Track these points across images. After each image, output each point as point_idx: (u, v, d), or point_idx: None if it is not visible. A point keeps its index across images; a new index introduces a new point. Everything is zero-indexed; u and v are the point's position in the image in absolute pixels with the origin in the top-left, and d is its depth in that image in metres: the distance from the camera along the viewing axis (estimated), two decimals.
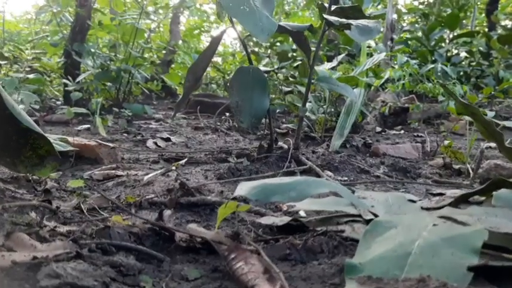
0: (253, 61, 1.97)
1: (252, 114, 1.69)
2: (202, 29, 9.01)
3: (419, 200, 1.21)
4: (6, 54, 5.16)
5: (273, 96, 4.78)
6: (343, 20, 1.57)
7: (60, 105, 3.78)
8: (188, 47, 10.17)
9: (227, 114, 4.50)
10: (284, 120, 3.95)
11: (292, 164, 1.74)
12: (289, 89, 4.31)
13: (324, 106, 3.21)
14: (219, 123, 3.94)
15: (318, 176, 1.60)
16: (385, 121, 4.05)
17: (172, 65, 6.86)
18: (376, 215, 0.90)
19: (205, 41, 9.49)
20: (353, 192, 1.17)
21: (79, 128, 2.93)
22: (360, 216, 0.97)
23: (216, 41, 1.75)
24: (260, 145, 1.91)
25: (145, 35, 4.68)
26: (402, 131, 3.69)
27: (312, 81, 1.88)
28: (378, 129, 3.73)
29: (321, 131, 2.94)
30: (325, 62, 3.55)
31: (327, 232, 0.89)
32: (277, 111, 3.87)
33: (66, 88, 3.40)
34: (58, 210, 1.17)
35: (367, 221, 0.94)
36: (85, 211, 1.19)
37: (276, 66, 4.64)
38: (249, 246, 0.83)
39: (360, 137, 2.87)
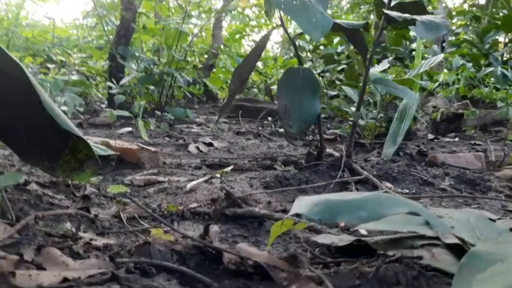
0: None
1: (301, 119, 1.57)
2: (244, 33, 8.96)
3: (498, 218, 1.05)
4: (54, 58, 5.30)
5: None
6: (407, 15, 1.42)
7: (104, 108, 3.80)
8: (230, 51, 10.18)
9: (269, 119, 4.39)
10: (329, 125, 3.79)
11: (345, 173, 1.59)
12: (334, 93, 4.16)
13: (374, 111, 3.03)
14: (261, 128, 3.84)
15: (375, 187, 1.45)
16: (436, 128, 3.81)
17: (214, 69, 6.84)
18: (461, 239, 0.76)
19: (246, 45, 9.46)
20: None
21: (121, 131, 2.90)
22: (437, 238, 0.83)
23: (262, 42, 1.64)
24: (309, 152, 1.78)
25: (189, 39, 4.66)
26: (457, 139, 3.45)
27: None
28: (430, 136, 3.50)
29: (371, 138, 2.77)
30: (375, 65, 3.37)
31: (401, 258, 0.75)
32: (322, 115, 3.72)
33: (110, 91, 3.39)
34: (96, 219, 1.09)
35: (448, 246, 0.80)
36: (124, 220, 1.11)
37: (319, 70, 4.49)
38: (308, 271, 0.71)
39: (414, 144, 2.67)
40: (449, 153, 2.70)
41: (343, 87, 3.10)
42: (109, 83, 3.35)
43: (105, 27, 3.76)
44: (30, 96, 0.99)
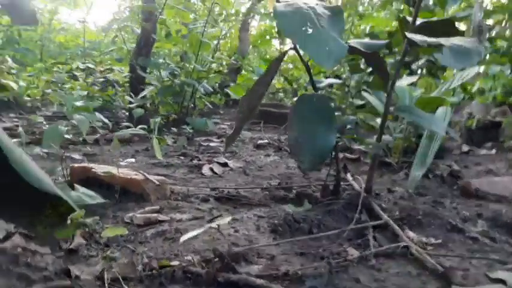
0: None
1: (314, 153, 1.42)
2: (273, 34, 8.79)
3: None
4: (81, 67, 5.33)
5: (343, 106, 4.44)
6: (433, 40, 1.24)
7: (125, 119, 3.75)
8: (259, 51, 10.04)
9: None
10: (355, 136, 3.60)
11: (363, 214, 1.43)
12: (361, 102, 3.95)
13: (401, 126, 2.83)
14: (283, 140, 3.70)
15: (395, 235, 1.29)
16: (471, 136, 3.55)
17: (242, 72, 6.72)
18: None
19: (276, 45, 9.27)
20: None
21: (138, 148, 2.83)
22: None
23: (274, 66, 1.50)
24: (324, 185, 1.63)
25: (214, 43, 4.55)
26: (493, 151, 3.18)
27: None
28: (465, 148, 3.25)
29: (398, 156, 2.58)
30: (404, 76, 3.16)
31: None
32: (348, 127, 3.54)
33: (129, 105, 3.33)
34: (76, 283, 0.98)
35: None
36: (106, 284, 1.00)
37: (344, 76, 4.29)
38: None
39: (445, 164, 2.46)
40: (485, 172, 2.47)
41: (370, 98, 2.91)
42: (128, 97, 3.28)
43: (125, 37, 3.71)
44: (1, 154, 0.90)
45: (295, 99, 5.26)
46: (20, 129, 2.97)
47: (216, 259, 1.03)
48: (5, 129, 3.20)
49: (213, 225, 1.14)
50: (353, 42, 1.50)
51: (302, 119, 1.46)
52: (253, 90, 1.55)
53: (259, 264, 1.12)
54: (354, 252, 1.21)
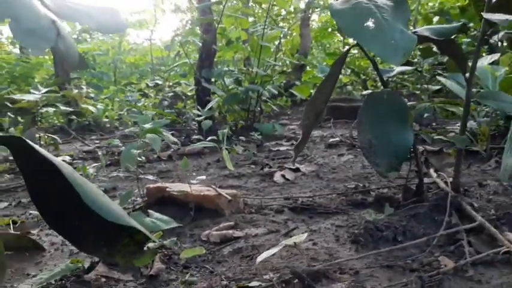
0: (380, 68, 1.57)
1: (390, 155, 1.32)
2: (334, 26, 8.56)
3: None
4: (150, 84, 5.56)
5: (417, 92, 4.18)
6: None
7: (195, 131, 3.83)
8: (322, 44, 9.84)
9: None
10: (434, 124, 3.37)
11: (453, 216, 1.30)
12: (437, 87, 3.70)
13: (486, 108, 2.58)
14: (355, 134, 3.55)
15: (493, 238, 1.15)
16: None
17: (307, 68, 6.61)
18: None
19: (339, 36, 9.01)
20: None
21: (209, 160, 2.86)
22: None
23: (337, 67, 1.42)
24: (406, 187, 1.51)
25: (276, 43, 4.51)
26: None
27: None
28: None
29: (486, 143, 2.35)
30: (483, 55, 2.89)
31: None
32: (425, 115, 3.31)
33: (197, 119, 3.39)
34: None
35: None
36: None
37: (416, 60, 4.03)
38: None
39: None
40: None
41: (447, 83, 2.69)
42: (195, 111, 3.34)
43: (189, 50, 3.78)
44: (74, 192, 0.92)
45: (365, 92, 5.07)
46: (99, 152, 3.15)
47: (296, 280, 0.98)
48: (87, 152, 3.40)
49: (290, 243, 1.09)
50: (421, 29, 1.37)
51: (373, 119, 1.36)
52: (317, 95, 1.48)
53: (342, 281, 1.05)
54: (447, 262, 1.09)
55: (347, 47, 7.69)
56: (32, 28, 0.54)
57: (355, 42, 1.43)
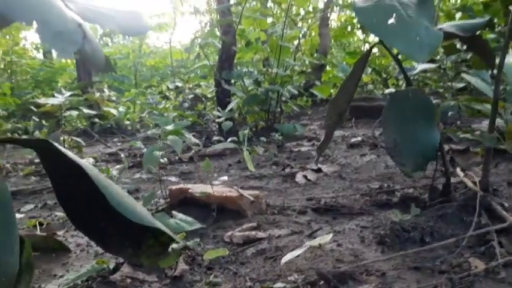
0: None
1: (416, 154, 1.29)
2: (354, 24, 8.48)
3: None
4: (171, 86, 5.61)
5: (440, 90, 4.10)
6: None
7: (215, 133, 3.84)
8: (341, 44, 9.75)
9: None
10: (459, 122, 3.29)
11: (483, 216, 1.27)
12: (461, 85, 3.62)
13: None
14: (378, 135, 3.50)
15: None
16: None
17: (327, 67, 6.56)
18: None
19: (358, 35, 8.92)
20: None
21: (230, 161, 2.86)
22: None
23: (360, 66, 1.40)
24: (432, 187, 1.47)
25: (295, 43, 4.50)
26: None
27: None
28: None
29: None
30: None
31: None
32: (449, 114, 3.24)
33: (217, 120, 3.40)
34: None
35: None
36: None
37: (438, 58, 3.96)
38: None
39: None
40: None
41: (472, 80, 2.63)
42: (215, 112, 3.35)
43: (209, 52, 3.79)
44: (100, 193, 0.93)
45: (386, 90, 4.99)
46: (122, 155, 3.18)
47: (321, 282, 0.96)
48: (110, 154, 3.44)
49: (314, 244, 1.08)
50: (447, 26, 1.34)
51: (398, 118, 1.34)
52: (339, 94, 1.46)
53: (368, 283, 1.03)
54: (478, 264, 1.06)
55: (367, 46, 7.62)
56: (59, 31, 0.54)
57: (377, 40, 1.41)
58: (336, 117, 1.44)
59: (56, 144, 0.89)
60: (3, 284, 0.69)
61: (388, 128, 1.35)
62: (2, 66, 7.04)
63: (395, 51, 1.47)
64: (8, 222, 0.76)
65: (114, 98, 5.95)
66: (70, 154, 0.91)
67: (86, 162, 0.92)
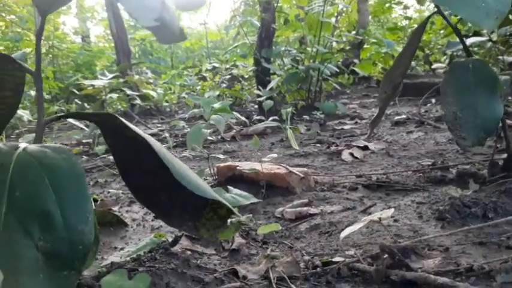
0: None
1: (478, 127, 1.24)
2: (394, 1, 8.19)
3: None
4: (209, 67, 5.62)
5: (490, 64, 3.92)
6: None
7: (255, 113, 3.84)
8: (380, 20, 9.46)
9: (433, 101, 3.90)
10: (510, 98, 3.15)
11: None
12: None
13: None
14: (424, 113, 3.41)
15: None
16: None
17: (365, 45, 6.39)
18: None
19: (398, 12, 8.63)
20: None
21: (273, 140, 2.86)
22: None
23: (416, 37, 1.34)
24: (492, 162, 1.42)
25: (333, 20, 4.40)
26: None
27: None
28: None
29: None
30: None
31: None
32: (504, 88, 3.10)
33: (258, 99, 3.39)
34: (245, 284, 1.00)
35: None
36: (274, 284, 0.99)
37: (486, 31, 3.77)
38: None
39: None
40: None
41: None
42: (256, 91, 3.34)
43: (246, 31, 3.76)
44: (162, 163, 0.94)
45: (434, 65, 4.81)
46: (166, 134, 3.23)
47: (385, 255, 0.95)
48: (152, 135, 3.51)
49: (374, 218, 1.06)
50: None
51: (459, 90, 1.29)
52: (395, 66, 1.42)
53: (432, 257, 1.01)
54: None
55: (406, 21, 7.35)
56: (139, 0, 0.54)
57: (430, 10, 1.35)
58: (391, 90, 1.40)
59: (121, 118, 0.91)
60: (81, 252, 0.71)
61: (447, 100, 1.29)
62: (44, 51, 7.25)
63: (453, 20, 1.40)
64: (83, 193, 0.77)
65: (151, 81, 6.04)
66: (134, 128, 0.92)
67: (150, 136, 0.94)
